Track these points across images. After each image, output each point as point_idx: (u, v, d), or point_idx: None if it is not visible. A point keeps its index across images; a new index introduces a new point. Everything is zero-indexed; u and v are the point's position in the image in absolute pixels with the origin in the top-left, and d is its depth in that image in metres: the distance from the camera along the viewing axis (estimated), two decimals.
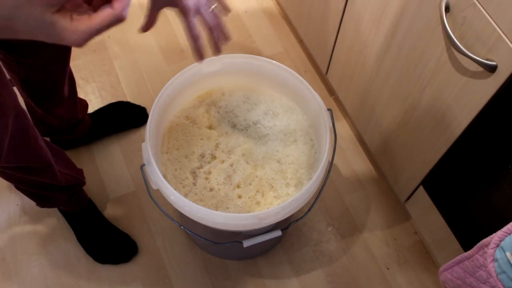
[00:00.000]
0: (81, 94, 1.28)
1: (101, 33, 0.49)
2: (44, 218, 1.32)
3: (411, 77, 1.03)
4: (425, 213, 1.17)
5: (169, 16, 1.69)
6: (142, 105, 1.48)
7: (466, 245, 1.05)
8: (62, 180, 1.10)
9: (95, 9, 0.49)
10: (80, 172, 1.22)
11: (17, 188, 1.10)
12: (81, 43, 0.49)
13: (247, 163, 1.10)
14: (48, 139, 1.34)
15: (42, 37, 0.48)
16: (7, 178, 1.03)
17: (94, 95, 1.50)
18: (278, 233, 1.06)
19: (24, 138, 0.92)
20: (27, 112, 0.90)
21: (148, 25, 0.71)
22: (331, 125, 1.05)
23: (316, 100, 1.08)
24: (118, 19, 0.48)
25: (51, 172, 1.05)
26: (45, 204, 1.19)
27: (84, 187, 1.26)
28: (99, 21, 0.48)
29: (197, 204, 0.95)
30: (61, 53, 1.04)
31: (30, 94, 1.10)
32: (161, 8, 0.70)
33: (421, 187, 1.15)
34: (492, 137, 0.88)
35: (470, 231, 1.02)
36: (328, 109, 1.07)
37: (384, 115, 1.20)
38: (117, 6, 0.48)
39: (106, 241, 1.27)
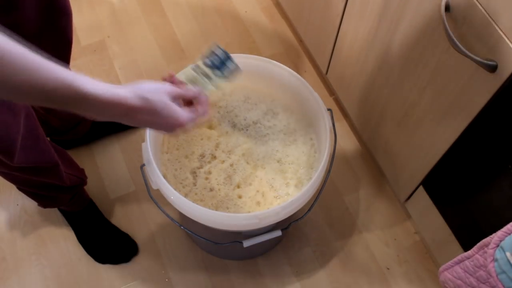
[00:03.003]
0: None
1: (193, 123, 0.75)
2: (44, 218, 1.32)
3: (411, 77, 1.03)
4: (425, 213, 1.17)
5: (169, 16, 1.69)
6: None
7: (466, 245, 1.05)
8: (67, 180, 1.10)
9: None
10: (82, 171, 1.23)
11: (20, 189, 1.10)
12: (180, 125, 0.73)
13: (247, 163, 1.10)
14: (48, 139, 1.34)
15: (156, 114, 0.69)
16: (12, 179, 1.03)
17: None
18: (278, 233, 1.06)
19: (34, 138, 0.92)
20: (34, 112, 0.91)
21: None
22: (331, 125, 1.05)
23: (316, 100, 1.08)
24: (205, 115, 0.77)
25: (58, 172, 1.06)
26: (48, 205, 1.20)
27: (85, 187, 1.26)
28: (196, 114, 0.75)
29: (197, 204, 0.95)
30: (61, 52, 1.04)
31: None
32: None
33: (421, 187, 1.15)
34: (492, 137, 0.88)
35: (470, 231, 1.02)
36: (328, 109, 1.07)
37: (384, 115, 1.20)
38: (200, 109, 0.77)
39: (106, 241, 1.27)
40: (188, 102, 0.77)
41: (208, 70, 0.84)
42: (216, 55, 0.84)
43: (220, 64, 0.84)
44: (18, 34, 0.53)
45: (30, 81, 0.54)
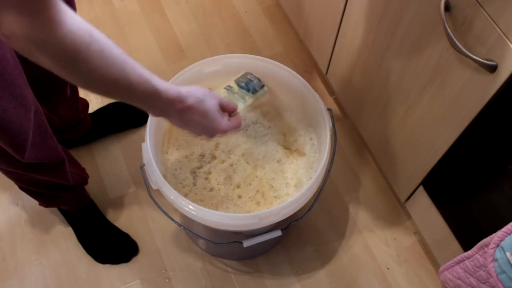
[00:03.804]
0: (81, 94, 1.28)
1: (228, 132, 0.88)
2: (44, 218, 1.32)
3: (411, 77, 1.03)
4: (425, 213, 1.17)
5: (169, 15, 1.69)
6: None
7: (466, 245, 1.05)
8: (70, 179, 1.11)
9: None
10: (84, 170, 1.23)
11: (21, 188, 1.10)
12: (221, 130, 0.85)
13: (247, 163, 1.10)
14: None
15: (206, 116, 0.81)
16: (16, 178, 1.03)
17: (94, 95, 1.50)
18: (278, 233, 1.06)
19: (42, 134, 0.93)
20: (41, 109, 0.92)
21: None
22: (331, 125, 1.05)
23: (316, 100, 1.08)
24: (238, 127, 0.91)
25: (63, 170, 1.06)
26: (49, 204, 1.20)
27: (85, 187, 1.26)
28: (232, 124, 0.88)
29: (197, 204, 0.95)
30: None
31: (35, 91, 1.11)
32: None
33: (421, 187, 1.15)
34: (492, 137, 0.88)
35: (470, 231, 1.02)
36: (328, 109, 1.07)
37: (384, 115, 1.20)
38: (235, 121, 0.89)
39: (106, 241, 1.27)
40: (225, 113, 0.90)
41: (240, 91, 1.00)
42: (251, 80, 1.01)
43: (253, 88, 1.01)
44: None
45: (121, 74, 0.63)
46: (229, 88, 1.02)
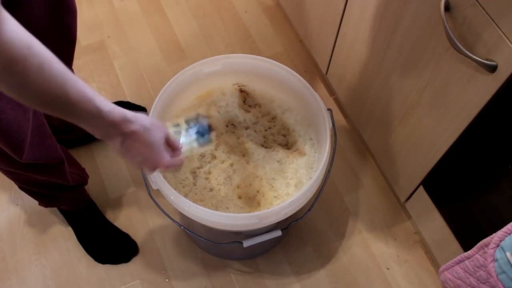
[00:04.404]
0: None
1: (168, 168, 0.81)
2: (44, 218, 1.32)
3: (411, 77, 1.03)
4: (425, 213, 1.17)
5: (169, 16, 1.69)
6: (142, 105, 1.48)
7: (466, 245, 1.04)
8: (70, 179, 1.11)
9: None
10: (84, 170, 1.23)
11: (21, 188, 1.10)
12: (163, 165, 0.78)
13: (247, 163, 1.10)
14: None
15: (149, 146, 0.75)
16: (16, 178, 1.03)
17: None
18: (278, 233, 1.06)
19: (41, 134, 0.93)
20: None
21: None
22: (331, 125, 1.05)
23: (316, 100, 1.08)
24: (178, 166, 0.82)
25: (62, 170, 1.06)
26: (49, 204, 1.20)
27: (85, 187, 1.26)
28: (174, 162, 0.80)
29: (197, 204, 0.95)
30: (66, 50, 1.05)
31: None
32: None
33: (421, 187, 1.15)
34: (492, 137, 0.88)
35: (470, 231, 1.02)
36: (328, 109, 1.07)
37: (384, 115, 1.20)
38: (178, 160, 0.82)
39: (106, 241, 1.27)
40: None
41: (187, 132, 0.91)
42: (202, 124, 0.91)
43: (201, 133, 0.91)
44: None
45: (60, 90, 0.60)
46: (177, 126, 0.93)
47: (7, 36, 0.52)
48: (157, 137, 0.77)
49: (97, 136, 0.71)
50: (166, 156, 0.79)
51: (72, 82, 0.61)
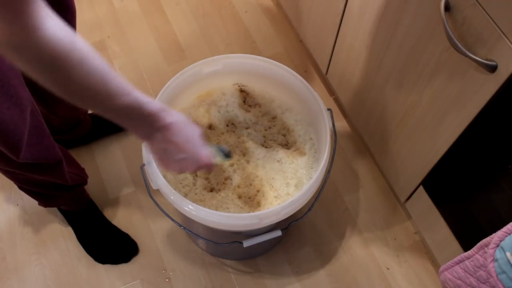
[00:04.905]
0: None
1: (206, 168, 0.82)
2: (44, 218, 1.32)
3: (411, 77, 1.03)
4: (425, 213, 1.17)
5: (169, 16, 1.69)
6: None
7: (466, 245, 1.04)
8: (69, 179, 1.11)
9: None
10: (83, 170, 1.23)
11: (20, 188, 1.10)
12: (205, 161, 0.79)
13: (247, 163, 1.10)
14: None
15: (188, 140, 0.76)
16: (14, 178, 1.03)
17: None
18: (278, 233, 1.06)
19: (39, 134, 0.93)
20: (38, 109, 0.92)
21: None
22: (331, 125, 1.05)
23: (316, 100, 1.08)
24: (211, 169, 0.85)
25: (61, 170, 1.06)
26: (48, 204, 1.20)
27: (85, 187, 1.26)
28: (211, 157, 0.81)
29: (197, 204, 0.95)
30: None
31: (33, 91, 1.11)
32: None
33: (421, 187, 1.15)
34: (492, 137, 0.88)
35: (470, 231, 1.02)
36: (328, 109, 1.07)
37: (384, 115, 1.20)
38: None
39: (106, 241, 1.27)
40: None
41: (213, 146, 0.92)
42: (223, 147, 0.93)
43: (222, 150, 0.92)
44: None
45: (101, 85, 0.61)
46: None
47: (51, 32, 0.53)
48: (195, 130, 0.77)
49: (138, 134, 0.72)
50: (206, 151, 0.79)
51: (112, 76, 0.62)
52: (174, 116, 0.72)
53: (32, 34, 0.52)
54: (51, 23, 0.54)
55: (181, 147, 0.75)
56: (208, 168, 0.82)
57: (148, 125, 0.70)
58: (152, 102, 0.69)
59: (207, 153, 0.79)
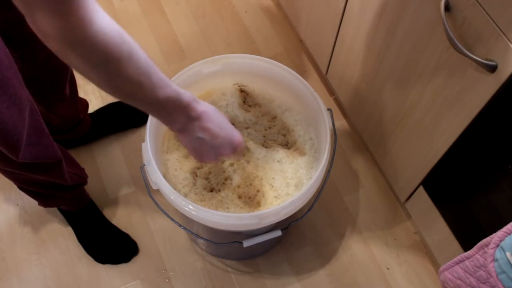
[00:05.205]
0: (81, 94, 1.28)
1: (237, 151, 0.88)
2: (44, 218, 1.32)
3: (411, 76, 1.03)
4: (425, 213, 1.17)
5: (169, 16, 1.69)
6: None
7: (466, 245, 1.05)
8: (68, 179, 1.11)
9: None
10: (83, 170, 1.23)
11: (20, 188, 1.10)
12: (238, 141, 0.84)
13: (247, 163, 1.10)
14: None
15: (221, 125, 0.81)
16: (14, 178, 1.03)
17: (94, 95, 1.50)
18: (278, 233, 1.06)
19: (38, 134, 0.93)
20: (37, 109, 0.92)
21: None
22: (331, 125, 1.05)
23: (316, 100, 1.08)
24: (241, 153, 0.94)
25: (60, 170, 1.06)
26: (48, 204, 1.19)
27: (85, 187, 1.26)
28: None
29: (197, 204, 0.95)
30: None
31: (33, 91, 1.11)
32: None
33: (421, 187, 1.15)
34: (492, 137, 0.88)
35: (470, 231, 1.02)
36: (328, 109, 1.07)
37: (384, 115, 1.20)
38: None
39: (106, 241, 1.27)
40: None
41: None
42: None
43: None
44: (22, 30, 0.56)
45: (145, 77, 0.63)
46: None
47: (102, 26, 0.55)
48: (223, 117, 0.83)
49: (174, 127, 0.75)
50: (237, 133, 0.85)
51: (154, 69, 0.64)
52: (204, 105, 0.77)
53: (85, 28, 0.53)
54: (101, 17, 0.55)
55: (215, 132, 0.79)
56: (241, 150, 0.88)
57: (184, 114, 0.73)
58: (185, 93, 0.72)
59: (239, 134, 0.85)
